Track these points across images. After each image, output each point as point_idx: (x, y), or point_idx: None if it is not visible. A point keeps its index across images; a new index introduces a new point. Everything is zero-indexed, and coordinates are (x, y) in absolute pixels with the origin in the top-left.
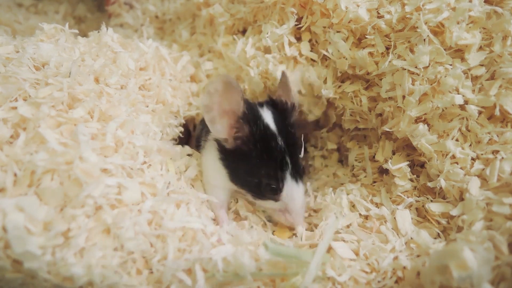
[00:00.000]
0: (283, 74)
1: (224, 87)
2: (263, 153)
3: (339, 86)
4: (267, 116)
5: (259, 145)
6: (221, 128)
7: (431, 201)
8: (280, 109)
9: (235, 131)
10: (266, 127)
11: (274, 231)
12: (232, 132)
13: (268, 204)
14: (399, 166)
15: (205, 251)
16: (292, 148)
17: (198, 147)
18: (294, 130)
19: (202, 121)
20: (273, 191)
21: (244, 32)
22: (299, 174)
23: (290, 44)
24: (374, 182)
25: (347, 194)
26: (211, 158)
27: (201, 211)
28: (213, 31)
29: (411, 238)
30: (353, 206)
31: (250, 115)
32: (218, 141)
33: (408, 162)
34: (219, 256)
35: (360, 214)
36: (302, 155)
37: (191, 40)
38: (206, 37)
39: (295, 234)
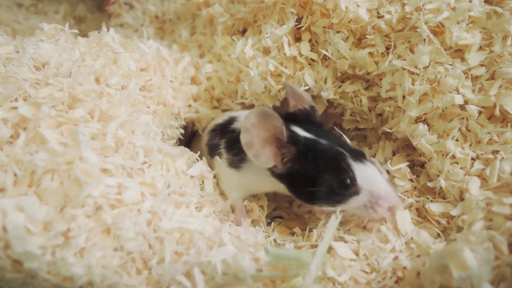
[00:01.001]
0: (286, 84)
1: (259, 119)
2: (317, 160)
3: (339, 86)
4: (299, 130)
5: (309, 157)
6: (266, 159)
7: (431, 201)
8: (303, 117)
9: (281, 156)
10: (306, 138)
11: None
12: (279, 158)
13: (354, 204)
14: (399, 167)
15: (203, 254)
16: (337, 141)
17: (211, 153)
18: (326, 128)
19: (213, 133)
20: (348, 185)
21: (244, 32)
22: (360, 155)
23: (290, 44)
24: None
25: None
26: (259, 175)
27: (203, 209)
28: (213, 31)
29: (411, 238)
30: None
31: (292, 135)
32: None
33: (408, 163)
34: (218, 259)
35: None
36: (349, 142)
37: (191, 40)
38: (206, 37)
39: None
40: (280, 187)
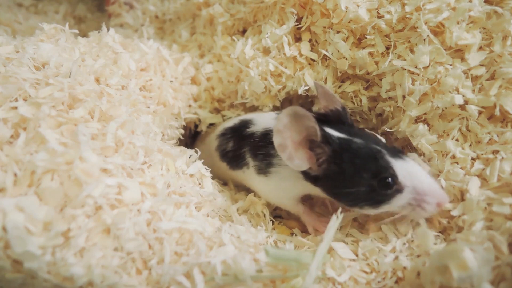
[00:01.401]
0: (317, 84)
1: (291, 119)
2: (353, 160)
3: (339, 86)
4: (331, 131)
5: (345, 157)
6: (300, 162)
7: None
8: (334, 118)
9: (316, 158)
10: (340, 138)
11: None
12: (313, 160)
13: (398, 203)
14: None
15: (203, 254)
16: (372, 139)
17: (232, 163)
18: (357, 127)
19: (224, 137)
20: (390, 184)
21: (244, 32)
22: (398, 151)
23: (290, 44)
24: None
25: None
26: (288, 179)
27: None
28: (213, 31)
29: (411, 239)
30: None
31: (326, 135)
32: (302, 172)
33: None
34: (218, 259)
35: None
36: (384, 140)
37: (191, 40)
38: (206, 37)
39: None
40: (314, 190)
